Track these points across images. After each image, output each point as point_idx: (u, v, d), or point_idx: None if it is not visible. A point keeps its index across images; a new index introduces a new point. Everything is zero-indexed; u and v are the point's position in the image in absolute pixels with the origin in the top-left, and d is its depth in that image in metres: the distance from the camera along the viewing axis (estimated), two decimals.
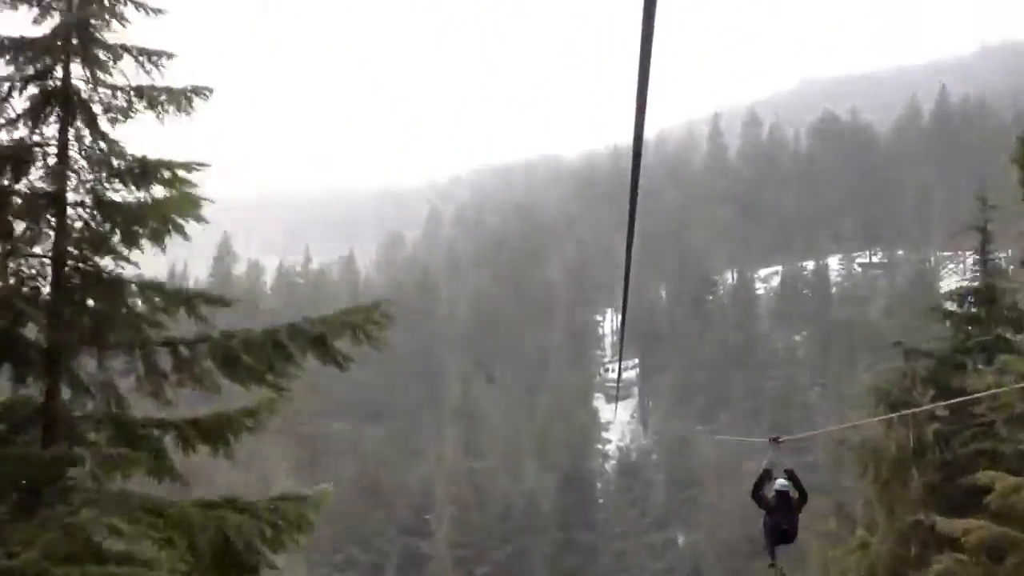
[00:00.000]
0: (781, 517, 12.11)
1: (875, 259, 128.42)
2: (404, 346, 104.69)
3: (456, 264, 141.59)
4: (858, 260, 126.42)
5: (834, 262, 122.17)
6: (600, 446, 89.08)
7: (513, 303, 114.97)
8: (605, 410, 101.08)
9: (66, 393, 10.98)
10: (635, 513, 77.65)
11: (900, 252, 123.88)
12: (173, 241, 11.34)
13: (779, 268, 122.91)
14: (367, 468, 73.03)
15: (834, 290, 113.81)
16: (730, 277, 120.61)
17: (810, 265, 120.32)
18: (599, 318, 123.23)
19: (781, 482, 12.13)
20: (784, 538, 12.21)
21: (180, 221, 11.23)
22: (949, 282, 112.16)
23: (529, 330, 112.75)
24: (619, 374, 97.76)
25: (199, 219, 11.35)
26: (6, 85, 10.92)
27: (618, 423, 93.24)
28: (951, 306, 24.57)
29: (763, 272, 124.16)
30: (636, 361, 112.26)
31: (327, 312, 11.94)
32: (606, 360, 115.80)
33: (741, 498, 68.08)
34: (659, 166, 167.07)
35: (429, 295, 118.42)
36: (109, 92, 11.16)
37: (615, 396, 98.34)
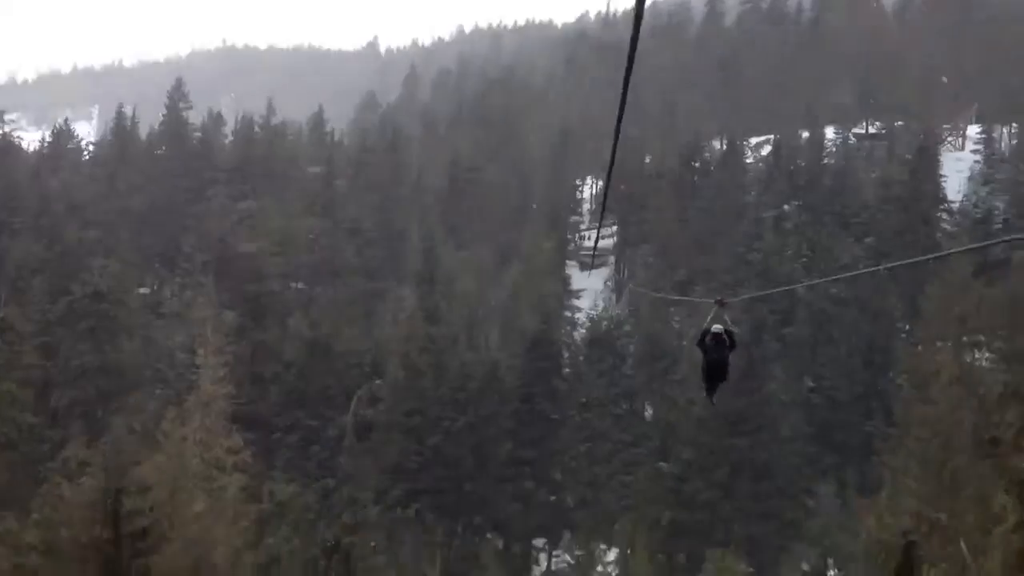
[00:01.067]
0: (715, 357, 14.07)
1: (872, 130, 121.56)
2: (369, 208, 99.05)
3: (432, 127, 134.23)
4: (854, 131, 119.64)
5: (830, 132, 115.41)
6: (570, 314, 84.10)
7: (490, 169, 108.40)
8: (579, 278, 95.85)
9: None
10: (603, 384, 73.13)
11: (899, 123, 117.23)
12: None
13: (771, 137, 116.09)
14: (319, 330, 67.94)
15: (828, 161, 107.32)
16: (719, 145, 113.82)
17: (805, 135, 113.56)
18: (578, 183, 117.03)
19: (716, 327, 13.94)
20: (719, 376, 14.19)
21: None
22: (948, 157, 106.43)
23: (505, 196, 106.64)
24: (596, 239, 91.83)
25: None
26: None
27: (591, 291, 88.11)
28: None
29: (754, 140, 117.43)
30: (614, 229, 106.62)
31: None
32: (583, 227, 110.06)
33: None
34: (651, 29, 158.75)
35: (400, 157, 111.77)
36: None
37: (590, 263, 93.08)
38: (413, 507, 54.81)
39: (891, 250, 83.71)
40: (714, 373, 14.20)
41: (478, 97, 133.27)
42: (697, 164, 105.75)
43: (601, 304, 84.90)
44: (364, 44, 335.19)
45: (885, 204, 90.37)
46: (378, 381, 64.63)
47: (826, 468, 66.41)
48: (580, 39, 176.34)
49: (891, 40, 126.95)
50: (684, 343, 76.18)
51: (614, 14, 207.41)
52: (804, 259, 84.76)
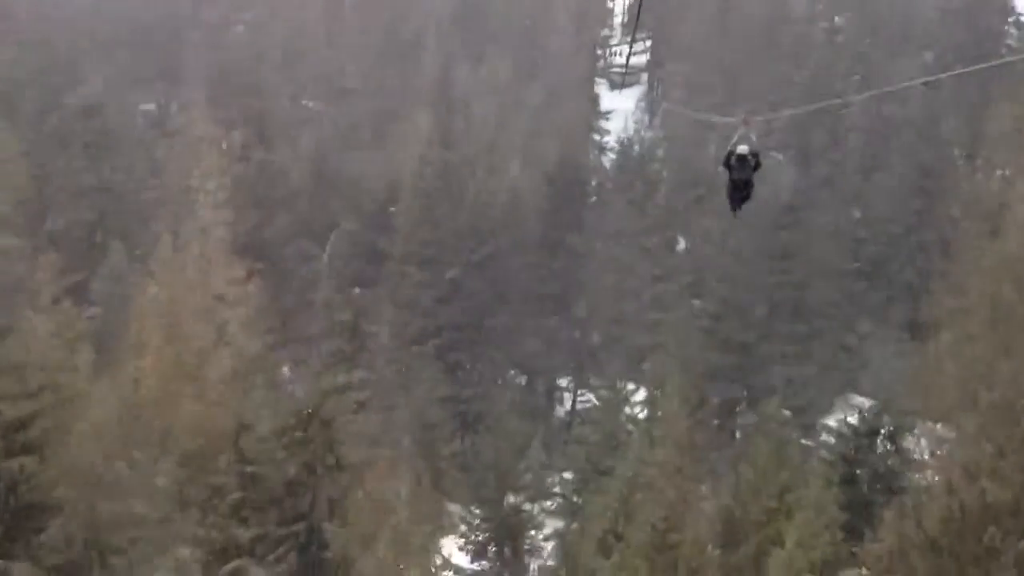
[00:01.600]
0: (739, 177, 14.07)
1: None
2: (382, 22, 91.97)
3: None
4: None
5: None
6: (598, 137, 78.44)
7: None
8: (608, 98, 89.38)
9: None
10: (632, 214, 68.34)
11: None
12: None
13: None
14: (328, 151, 63.06)
15: None
16: None
17: None
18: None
19: (741, 147, 13.87)
20: (744, 195, 14.22)
21: None
22: None
23: (528, 6, 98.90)
24: (629, 53, 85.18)
25: None
26: None
27: (621, 113, 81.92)
28: None
29: None
30: (648, 44, 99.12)
31: None
32: (614, 42, 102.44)
33: (755, 206, 58.61)
34: None
35: None
36: None
37: (621, 82, 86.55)
38: (430, 343, 51.30)
39: (953, 66, 76.77)
40: (738, 192, 14.30)
41: None
42: None
43: (632, 127, 78.85)
44: None
45: (947, 16, 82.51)
46: (392, 209, 60.18)
47: (872, 306, 62.28)
48: None
49: None
50: (721, 169, 70.86)
51: None
52: (856, 77, 77.97)
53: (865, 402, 56.18)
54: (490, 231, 56.59)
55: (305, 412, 27.89)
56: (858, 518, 29.02)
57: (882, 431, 31.65)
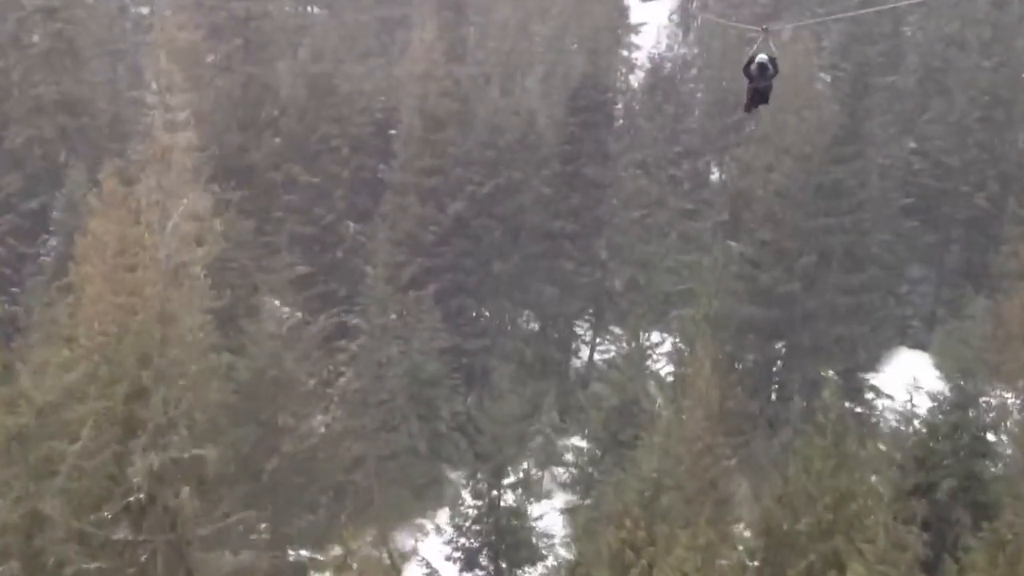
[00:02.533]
0: (759, 86, 14.90)
1: None
2: None
3: None
4: None
5: None
6: (626, 53, 71.18)
7: None
8: (639, 9, 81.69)
9: None
10: (663, 139, 61.78)
11: None
12: None
13: None
14: (324, 64, 56.33)
15: None
16: None
17: None
18: None
19: (761, 56, 14.71)
20: (761, 99, 15.13)
21: None
22: None
23: None
24: None
25: None
26: None
27: (653, 26, 74.35)
28: None
29: None
30: None
31: None
32: None
33: (805, 134, 51.40)
34: None
35: None
36: None
37: None
38: (430, 287, 45.37)
39: None
40: (757, 98, 15.09)
41: None
42: None
43: (665, 41, 71.26)
44: None
45: None
46: (392, 132, 53.74)
47: (925, 249, 55.79)
48: None
49: None
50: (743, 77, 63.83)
51: None
52: None
53: (915, 357, 50.61)
54: (501, 160, 50.05)
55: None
56: (938, 541, 23.33)
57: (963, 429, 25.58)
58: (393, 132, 53.54)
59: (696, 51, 70.76)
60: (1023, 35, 63.07)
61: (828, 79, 63.93)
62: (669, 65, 66.23)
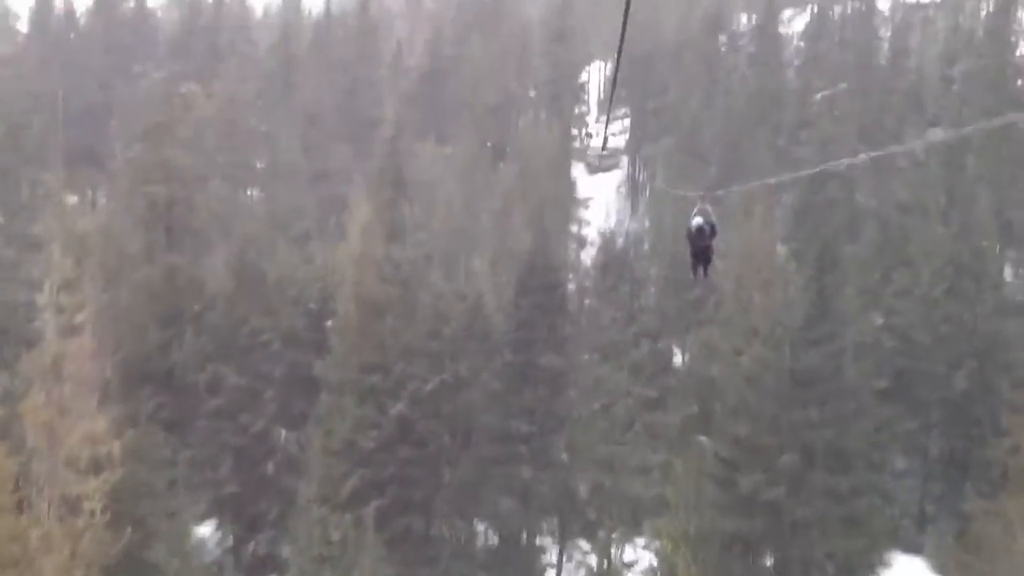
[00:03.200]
0: (700, 246, 15.62)
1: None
2: (334, 92, 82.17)
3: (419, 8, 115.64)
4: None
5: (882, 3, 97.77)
6: (576, 228, 68.44)
7: (480, 48, 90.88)
8: (586, 184, 79.92)
9: None
10: (621, 321, 58.01)
11: None
12: None
13: (809, 7, 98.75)
14: (256, 249, 52.35)
15: (884, 32, 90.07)
16: (745, 20, 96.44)
17: (853, 4, 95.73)
18: (585, 71, 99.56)
19: (697, 220, 15.43)
20: (704, 260, 15.83)
21: None
22: None
23: (497, 81, 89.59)
24: (607, 124, 76.26)
25: None
26: None
27: (601, 200, 72.12)
28: None
29: (788, 12, 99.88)
30: (626, 124, 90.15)
31: None
32: (590, 120, 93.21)
33: (772, 314, 47.78)
34: None
35: (374, 31, 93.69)
36: None
37: (598, 163, 76.95)
38: (372, 504, 40.05)
39: (971, 138, 67.93)
40: (699, 259, 15.87)
41: None
42: (724, 38, 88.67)
43: (614, 215, 68.88)
44: None
45: (965, 82, 73.91)
46: (328, 323, 49.39)
47: (906, 437, 51.90)
48: None
49: None
50: (720, 264, 61.00)
51: None
52: (861, 154, 68.76)
53: (911, 564, 46.03)
54: (446, 352, 45.72)
55: None
56: None
57: None
58: (329, 323, 49.19)
59: (647, 224, 68.34)
60: (985, 198, 61.42)
61: (784, 250, 61.50)
62: (621, 239, 63.31)
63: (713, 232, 15.45)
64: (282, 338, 48.40)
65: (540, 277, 49.98)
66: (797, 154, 72.22)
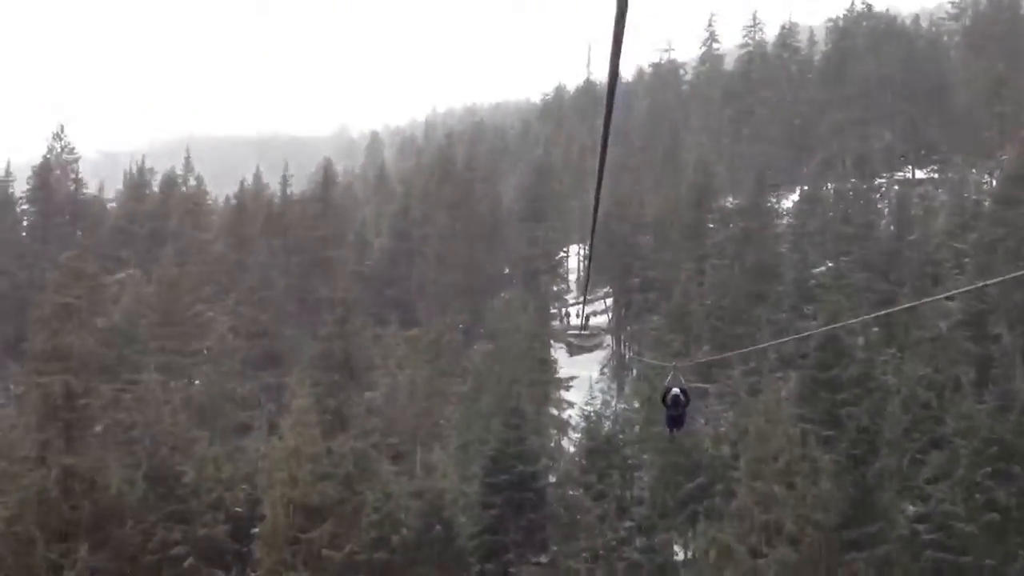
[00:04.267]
0: (674, 414, 16.94)
1: (919, 175, 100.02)
2: (291, 274, 75.78)
3: (383, 183, 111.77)
4: (897, 176, 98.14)
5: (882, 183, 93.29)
6: (556, 411, 60.39)
7: (450, 227, 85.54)
8: (568, 365, 72.46)
9: None
10: (611, 514, 49.32)
11: (947, 172, 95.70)
12: None
13: (796, 189, 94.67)
14: (161, 443, 43.87)
15: (883, 207, 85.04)
16: (731, 201, 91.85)
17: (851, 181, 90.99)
18: (563, 252, 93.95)
19: (674, 390, 16.68)
20: (677, 424, 17.27)
21: None
22: None
23: (469, 262, 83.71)
24: (584, 300, 69.67)
25: None
26: None
27: (583, 381, 64.28)
28: None
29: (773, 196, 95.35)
30: (608, 304, 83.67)
31: None
32: (569, 299, 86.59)
33: (801, 510, 39.18)
34: (645, 85, 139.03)
35: (329, 214, 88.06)
36: None
37: (578, 342, 69.69)
38: None
39: (997, 305, 61.41)
40: (674, 422, 17.18)
41: (440, 151, 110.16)
42: (711, 214, 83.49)
43: (599, 397, 60.58)
44: (336, 128, 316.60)
45: (979, 253, 68.08)
46: (254, 531, 40.50)
47: None
48: (558, 99, 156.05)
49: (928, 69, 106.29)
50: (726, 448, 52.65)
51: (594, 79, 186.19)
52: (876, 328, 61.83)
53: None
54: (397, 565, 36.76)
55: None
56: None
57: None
58: (255, 531, 40.30)
59: (635, 404, 60.32)
60: (1015, 373, 54.07)
61: (797, 430, 53.34)
62: (608, 424, 55.26)
63: (687, 400, 16.73)
64: (197, 551, 39.41)
65: (514, 468, 41.64)
66: (801, 327, 65.32)
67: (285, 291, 70.09)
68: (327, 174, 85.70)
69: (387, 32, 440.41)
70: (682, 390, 16.51)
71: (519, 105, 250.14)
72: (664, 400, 16.94)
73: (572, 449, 54.67)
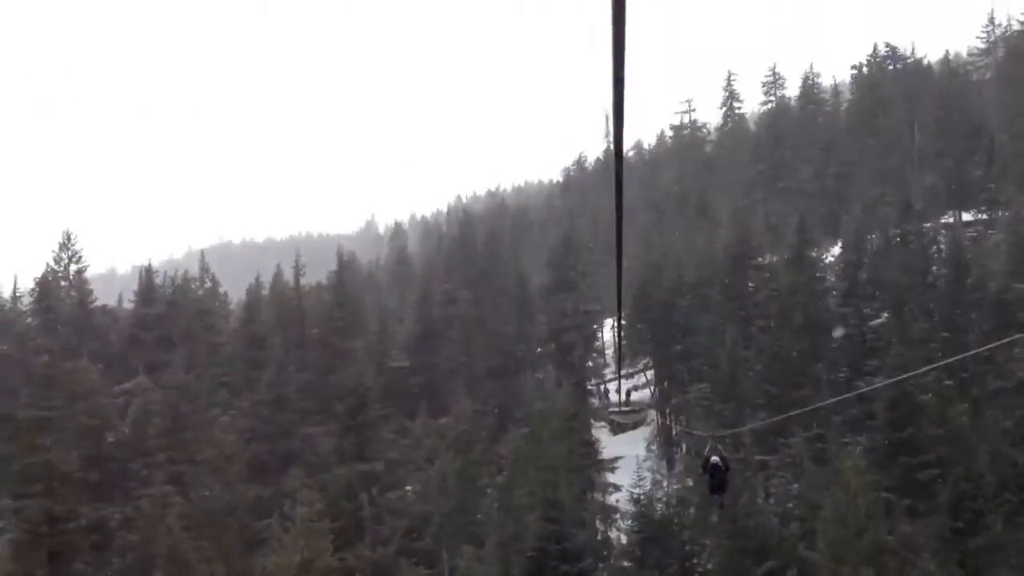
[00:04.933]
0: (715, 481, 18.27)
1: (967, 217, 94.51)
2: (305, 373, 71.23)
3: (408, 275, 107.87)
4: (943, 220, 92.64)
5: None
6: (599, 496, 54.69)
7: (472, 307, 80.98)
8: (611, 445, 66.91)
9: None
10: None
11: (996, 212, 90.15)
12: None
13: (838, 243, 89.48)
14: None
15: (934, 253, 79.26)
16: (769, 259, 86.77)
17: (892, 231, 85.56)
18: (596, 327, 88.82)
19: (714, 459, 18.11)
20: (719, 489, 18.49)
21: None
22: None
23: (498, 345, 78.86)
24: (619, 375, 65.05)
25: None
26: None
27: (629, 462, 58.55)
28: None
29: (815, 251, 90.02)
30: (649, 376, 78.30)
31: None
32: (607, 374, 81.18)
33: None
34: (666, 151, 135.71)
35: (361, 310, 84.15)
36: None
37: (620, 419, 64.22)
38: None
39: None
40: (716, 489, 18.37)
41: (460, 229, 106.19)
42: (751, 271, 78.31)
43: (647, 477, 54.88)
44: (363, 224, 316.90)
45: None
46: None
47: None
48: (580, 171, 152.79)
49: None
50: (795, 526, 46.63)
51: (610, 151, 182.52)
52: (950, 382, 55.87)
53: None
54: None
55: None
56: None
57: None
58: None
59: (689, 484, 54.56)
60: None
61: (880, 501, 47.29)
62: (661, 507, 49.58)
63: (727, 467, 18.18)
64: None
65: (558, 570, 36.13)
66: (863, 386, 59.63)
67: (303, 389, 65.45)
68: (341, 260, 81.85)
69: (414, 123, 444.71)
70: (722, 457, 17.86)
71: (541, 186, 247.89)
72: (704, 468, 18.46)
73: (623, 540, 48.89)
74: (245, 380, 68.34)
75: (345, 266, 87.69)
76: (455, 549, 42.27)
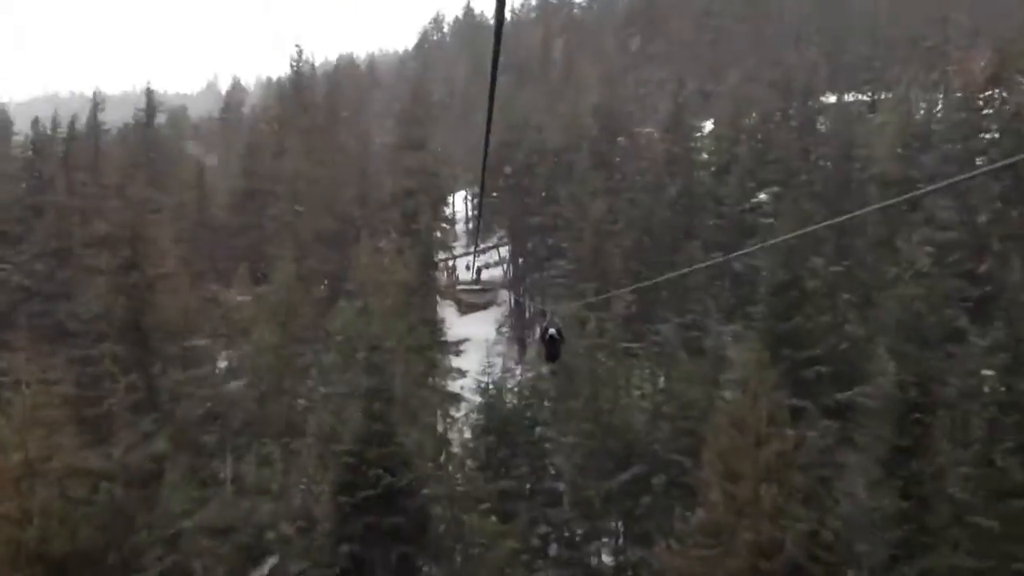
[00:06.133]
0: (551, 351, 18.68)
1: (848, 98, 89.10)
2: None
3: (229, 126, 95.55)
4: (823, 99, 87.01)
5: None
6: (446, 383, 46.94)
7: (321, 173, 70.61)
8: (457, 326, 59.05)
9: None
10: (520, 521, 36.58)
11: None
12: None
13: (711, 118, 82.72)
14: None
15: (821, 129, 73.25)
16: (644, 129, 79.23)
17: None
18: (449, 202, 79.78)
19: (551, 331, 18.36)
20: (554, 358, 19.23)
21: None
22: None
23: (334, 208, 69.08)
24: (475, 256, 57.03)
25: None
26: None
27: (476, 344, 50.72)
28: None
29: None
30: (503, 253, 70.55)
31: None
32: (455, 248, 72.59)
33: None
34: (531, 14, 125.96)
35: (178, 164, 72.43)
36: None
37: (468, 298, 56.29)
38: None
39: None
40: (551, 358, 19.28)
41: (298, 80, 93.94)
42: (621, 140, 70.74)
43: (498, 363, 46.87)
44: (204, 85, 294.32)
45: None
46: None
47: None
48: (437, 30, 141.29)
49: None
50: (665, 426, 39.96)
51: (474, 5, 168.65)
52: (842, 267, 49.87)
53: None
54: None
55: None
56: None
57: None
58: None
59: (545, 371, 47.20)
60: None
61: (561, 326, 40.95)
62: (511, 398, 42.11)
63: (562, 338, 18.51)
64: None
65: (380, 480, 28.02)
66: (738, 269, 53.53)
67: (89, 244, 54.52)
68: (150, 100, 69.75)
69: None
70: (558, 330, 18.39)
71: (397, 55, 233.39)
72: (543, 338, 18.67)
73: (468, 434, 41.29)
74: (26, 229, 56.86)
75: (160, 111, 75.38)
76: (255, 446, 33.70)
